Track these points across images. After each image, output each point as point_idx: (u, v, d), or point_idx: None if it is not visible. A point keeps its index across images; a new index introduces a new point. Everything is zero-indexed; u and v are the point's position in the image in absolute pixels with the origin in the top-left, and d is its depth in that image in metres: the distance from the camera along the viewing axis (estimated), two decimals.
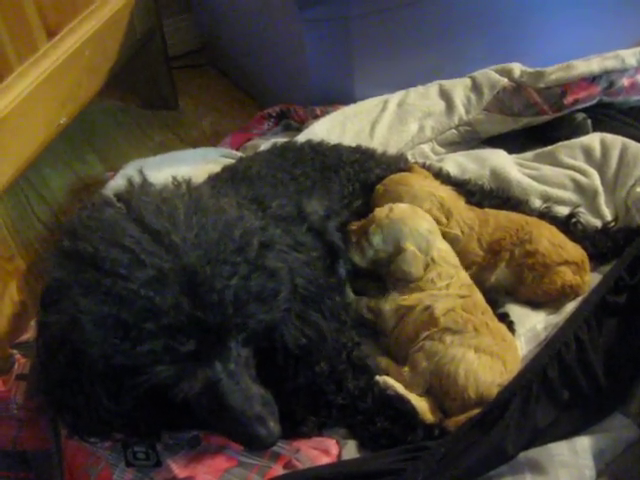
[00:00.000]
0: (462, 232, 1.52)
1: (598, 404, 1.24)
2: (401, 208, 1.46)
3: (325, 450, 1.18)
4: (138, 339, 0.88)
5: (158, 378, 0.92)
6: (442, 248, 1.45)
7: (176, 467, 1.11)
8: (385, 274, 1.46)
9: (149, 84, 2.63)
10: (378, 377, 1.28)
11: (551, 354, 1.25)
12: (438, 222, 1.50)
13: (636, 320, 1.32)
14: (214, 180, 1.50)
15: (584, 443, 1.18)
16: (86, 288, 0.91)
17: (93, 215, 0.97)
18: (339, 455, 1.20)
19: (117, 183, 1.80)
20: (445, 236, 1.49)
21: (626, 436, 1.20)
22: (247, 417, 0.96)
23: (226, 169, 1.57)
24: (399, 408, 1.22)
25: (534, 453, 1.15)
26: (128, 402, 0.98)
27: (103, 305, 0.89)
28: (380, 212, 1.46)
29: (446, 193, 1.57)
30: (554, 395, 1.22)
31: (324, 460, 1.16)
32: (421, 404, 1.23)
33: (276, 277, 0.99)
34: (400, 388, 1.25)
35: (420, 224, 1.44)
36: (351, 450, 1.21)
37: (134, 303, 0.88)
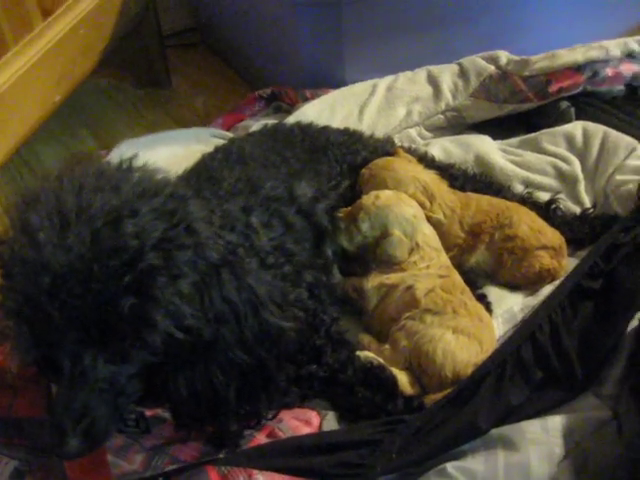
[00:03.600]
0: (444, 215, 1.57)
1: (570, 385, 1.27)
2: (387, 195, 1.50)
3: (306, 421, 1.23)
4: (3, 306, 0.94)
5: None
6: (426, 233, 1.49)
7: (165, 433, 1.16)
8: (370, 257, 1.50)
9: (142, 63, 2.64)
10: (359, 352, 1.32)
11: (525, 335, 1.30)
12: (422, 206, 1.54)
13: (609, 305, 1.35)
14: (209, 159, 1.53)
15: (555, 422, 1.20)
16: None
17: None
18: (320, 426, 1.24)
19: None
20: (429, 219, 1.53)
21: (597, 417, 1.23)
22: (51, 422, 0.96)
23: (219, 149, 1.60)
24: (380, 377, 1.27)
25: (506, 430, 1.19)
26: None
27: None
28: (367, 200, 1.50)
29: (429, 177, 1.61)
30: (527, 375, 1.26)
31: (305, 430, 1.20)
32: (401, 376, 1.28)
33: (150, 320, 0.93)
34: (381, 361, 1.30)
35: (406, 210, 1.48)
36: (331, 421, 1.26)
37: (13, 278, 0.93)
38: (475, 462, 1.14)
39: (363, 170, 1.62)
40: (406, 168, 1.60)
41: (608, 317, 1.35)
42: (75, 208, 0.92)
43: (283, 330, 1.11)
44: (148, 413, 1.17)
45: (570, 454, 1.18)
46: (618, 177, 1.75)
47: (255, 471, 1.07)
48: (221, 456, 1.12)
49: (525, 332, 1.31)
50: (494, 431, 1.19)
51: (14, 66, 1.69)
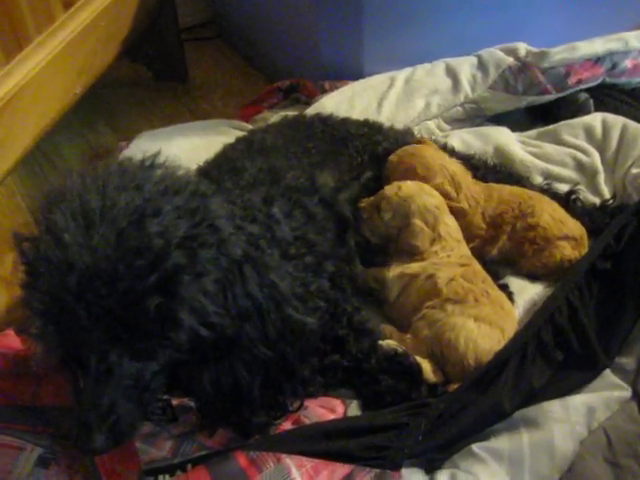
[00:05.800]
0: (469, 205, 1.57)
1: (591, 364, 1.30)
2: (409, 185, 1.51)
3: (331, 408, 1.24)
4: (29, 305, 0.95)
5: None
6: (449, 223, 1.50)
7: (192, 421, 1.17)
8: (392, 247, 1.51)
9: (160, 56, 2.64)
10: (381, 341, 1.33)
11: (545, 318, 1.32)
12: (448, 196, 1.55)
13: (619, 284, 1.40)
14: (230, 150, 1.54)
15: (576, 401, 1.23)
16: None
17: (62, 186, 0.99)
18: (344, 413, 1.25)
19: (130, 153, 1.83)
20: (452, 209, 1.54)
21: (618, 395, 1.26)
22: (77, 417, 0.96)
23: (240, 140, 1.60)
24: (404, 364, 1.27)
25: (528, 410, 1.21)
26: None
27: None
28: (389, 190, 1.50)
29: (456, 167, 1.61)
30: (548, 356, 1.29)
31: (330, 417, 1.21)
32: (424, 364, 1.29)
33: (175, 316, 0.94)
34: (404, 349, 1.31)
35: (428, 201, 1.49)
36: (355, 410, 1.26)
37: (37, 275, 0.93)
38: (499, 441, 1.16)
39: (391, 157, 1.61)
40: (434, 156, 1.60)
41: (619, 295, 1.39)
42: (99, 208, 0.92)
43: (306, 325, 1.11)
44: (174, 402, 1.18)
45: (592, 433, 1.21)
46: (634, 170, 1.74)
47: (284, 455, 1.07)
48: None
49: (545, 315, 1.33)
50: (516, 412, 1.21)
51: (36, 57, 1.70)
